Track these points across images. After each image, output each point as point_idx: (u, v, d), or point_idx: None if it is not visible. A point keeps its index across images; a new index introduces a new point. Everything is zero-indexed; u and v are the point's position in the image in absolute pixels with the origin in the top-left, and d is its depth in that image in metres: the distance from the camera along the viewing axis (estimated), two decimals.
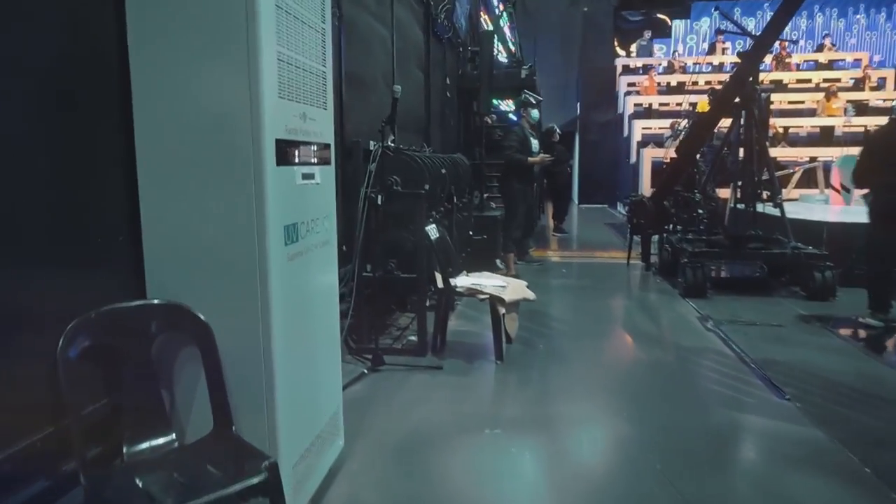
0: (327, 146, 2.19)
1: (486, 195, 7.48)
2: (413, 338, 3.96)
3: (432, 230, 4.01)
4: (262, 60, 1.66)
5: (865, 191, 4.62)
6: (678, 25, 17.31)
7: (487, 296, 3.62)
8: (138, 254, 1.78)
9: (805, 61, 14.67)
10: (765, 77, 9.04)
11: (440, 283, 3.82)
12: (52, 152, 1.57)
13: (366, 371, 3.52)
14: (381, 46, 4.49)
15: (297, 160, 1.90)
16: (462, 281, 3.86)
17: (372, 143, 3.86)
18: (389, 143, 4.16)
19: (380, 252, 3.82)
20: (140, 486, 1.51)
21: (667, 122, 11.42)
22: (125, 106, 1.73)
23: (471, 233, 6.13)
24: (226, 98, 1.68)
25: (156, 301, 1.76)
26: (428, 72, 6.24)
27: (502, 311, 3.57)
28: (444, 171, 4.70)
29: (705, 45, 16.56)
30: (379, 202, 3.49)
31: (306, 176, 1.98)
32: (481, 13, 8.98)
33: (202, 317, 1.75)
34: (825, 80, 13.10)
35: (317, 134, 2.06)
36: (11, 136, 1.45)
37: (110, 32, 1.71)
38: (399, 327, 4.45)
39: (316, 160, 2.07)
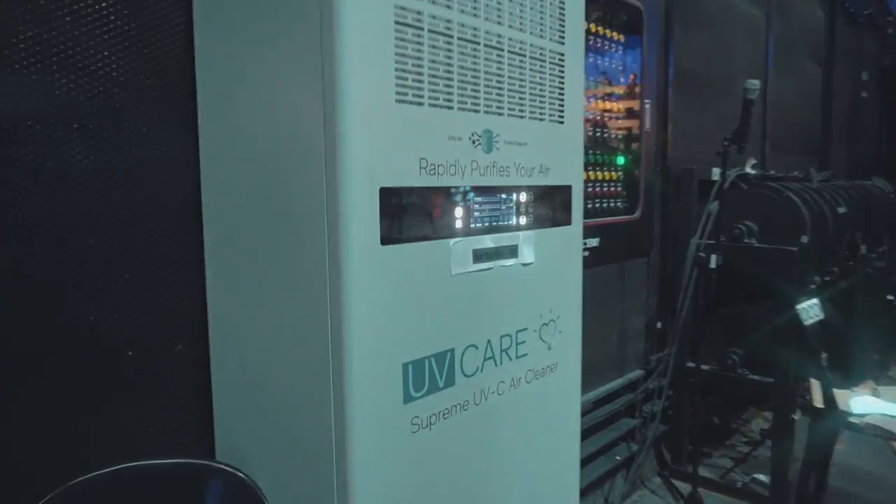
0: (561, 190, 1.17)
1: None
2: (763, 477, 2.52)
3: (811, 307, 2.50)
4: (343, 26, 0.77)
5: None
6: None
7: None
8: (203, 372, 1.08)
9: None
10: None
11: (818, 400, 2.31)
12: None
13: None
14: (745, 30, 3.13)
15: (456, 226, 0.95)
16: (866, 404, 2.27)
17: (715, 171, 2.59)
18: (748, 169, 2.82)
19: (716, 336, 2.53)
20: None
21: None
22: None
23: (890, 297, 4.07)
24: (288, 110, 0.85)
25: (195, 462, 1.03)
26: (830, 65, 4.42)
27: None
28: (841, 209, 3.05)
29: None
30: (712, 264, 2.23)
31: (487, 255, 1.01)
32: None
33: None
34: None
35: (526, 170, 1.07)
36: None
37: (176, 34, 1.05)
38: (747, 437, 3.00)
39: (522, 220, 1.08)
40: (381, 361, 0.85)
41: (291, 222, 0.86)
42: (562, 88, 1.14)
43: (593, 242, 2.09)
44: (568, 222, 1.20)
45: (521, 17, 1.03)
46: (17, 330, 0.90)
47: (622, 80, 2.22)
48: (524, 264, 1.09)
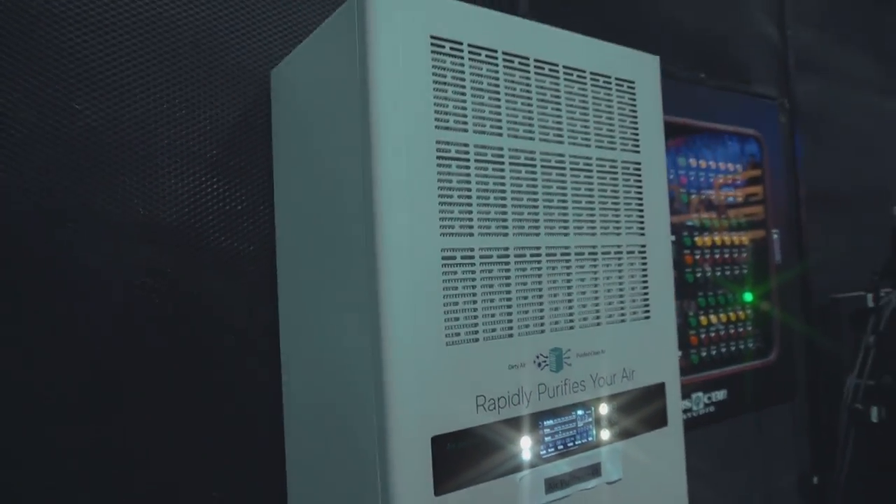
0: (651, 390, 1.07)
1: None
2: None
3: None
4: (389, 272, 0.78)
5: None
6: None
7: None
8: None
9: None
10: None
11: None
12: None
13: None
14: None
15: (523, 457, 0.89)
16: None
17: (871, 297, 2.27)
18: None
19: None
20: None
21: None
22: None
23: None
24: (340, 361, 0.87)
25: None
26: None
27: None
28: None
29: None
30: (874, 418, 1.90)
31: (562, 482, 0.93)
32: None
33: None
34: None
35: (605, 379, 0.99)
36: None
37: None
38: None
39: (604, 435, 0.99)
40: None
41: (349, 470, 0.86)
42: (645, 282, 1.06)
43: (720, 396, 1.88)
44: (664, 423, 1.08)
45: (590, 211, 1.00)
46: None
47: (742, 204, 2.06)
48: (610, 482, 0.99)
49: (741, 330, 2.00)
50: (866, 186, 2.58)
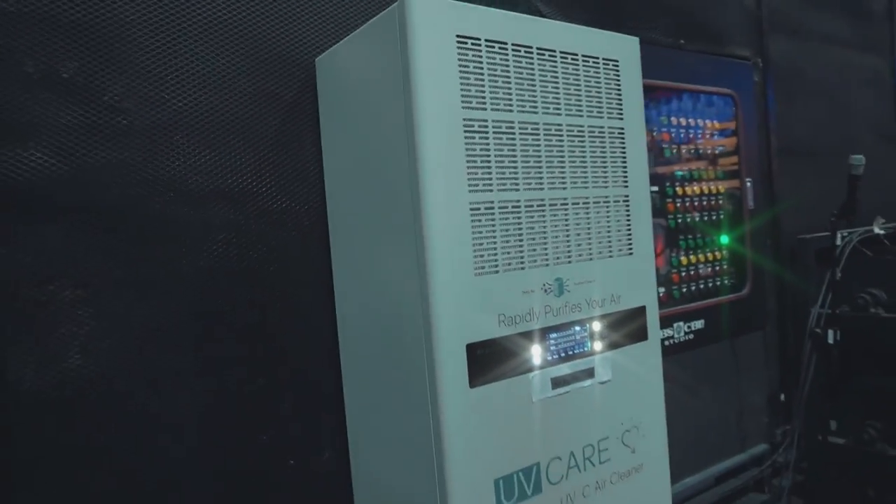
0: (634, 312, 1.33)
1: None
2: None
3: None
4: (430, 222, 1.03)
5: None
6: None
7: None
8: (346, 480, 1.37)
9: None
10: None
11: None
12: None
13: None
14: (866, 84, 3.02)
15: (534, 361, 1.16)
16: None
17: (840, 235, 2.53)
18: (877, 229, 2.71)
19: (851, 408, 2.43)
20: None
21: None
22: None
23: None
24: (394, 288, 1.13)
25: None
26: None
27: None
28: None
29: None
30: (830, 340, 2.19)
31: (564, 381, 1.20)
32: None
33: None
34: None
35: (597, 302, 1.26)
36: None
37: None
38: None
39: (597, 345, 1.26)
40: (476, 479, 1.07)
41: (401, 372, 1.13)
42: (629, 226, 1.32)
43: (698, 325, 2.16)
44: (644, 338, 1.35)
45: (583, 169, 1.24)
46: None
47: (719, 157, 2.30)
48: (601, 382, 1.26)
49: (718, 268, 2.27)
50: (832, 136, 2.81)
